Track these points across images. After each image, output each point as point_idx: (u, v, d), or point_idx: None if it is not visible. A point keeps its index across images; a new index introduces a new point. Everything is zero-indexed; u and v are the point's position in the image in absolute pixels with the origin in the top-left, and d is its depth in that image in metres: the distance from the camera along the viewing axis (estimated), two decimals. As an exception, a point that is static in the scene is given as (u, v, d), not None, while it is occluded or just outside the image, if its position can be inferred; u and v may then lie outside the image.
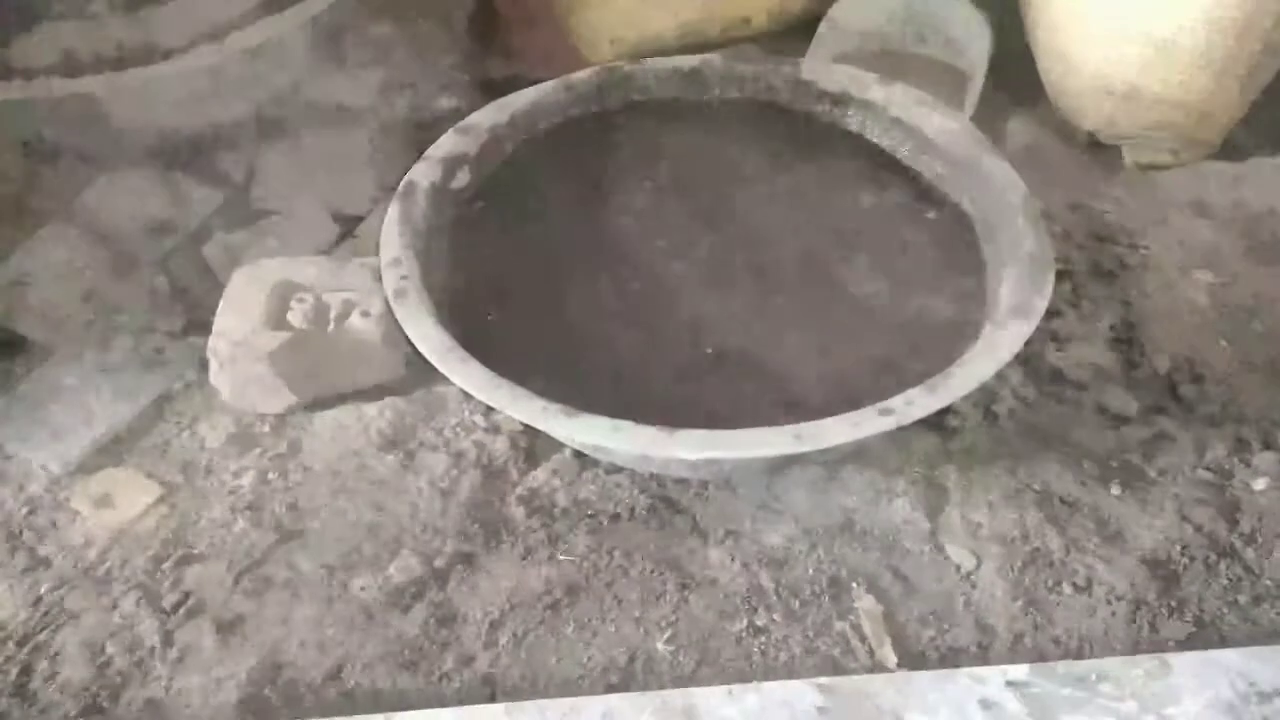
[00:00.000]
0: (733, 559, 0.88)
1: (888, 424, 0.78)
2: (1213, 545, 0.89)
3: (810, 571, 0.87)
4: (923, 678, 0.78)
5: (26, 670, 0.83)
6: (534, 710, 0.77)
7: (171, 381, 1.01)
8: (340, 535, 0.90)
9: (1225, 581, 0.87)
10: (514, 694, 0.80)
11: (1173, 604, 0.85)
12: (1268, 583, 0.87)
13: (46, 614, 0.86)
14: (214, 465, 0.95)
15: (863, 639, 0.83)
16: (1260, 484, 0.93)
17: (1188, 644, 0.82)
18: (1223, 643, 0.82)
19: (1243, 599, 0.86)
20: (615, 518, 0.91)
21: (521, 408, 0.80)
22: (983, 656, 0.82)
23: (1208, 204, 1.17)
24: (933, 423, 0.93)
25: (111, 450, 0.96)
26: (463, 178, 0.99)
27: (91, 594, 0.87)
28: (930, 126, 1.02)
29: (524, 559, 0.88)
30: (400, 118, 1.29)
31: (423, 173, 0.96)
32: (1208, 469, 0.94)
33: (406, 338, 0.86)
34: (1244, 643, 0.82)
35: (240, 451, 0.96)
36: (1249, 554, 0.88)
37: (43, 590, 0.87)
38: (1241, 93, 1.18)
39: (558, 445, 0.95)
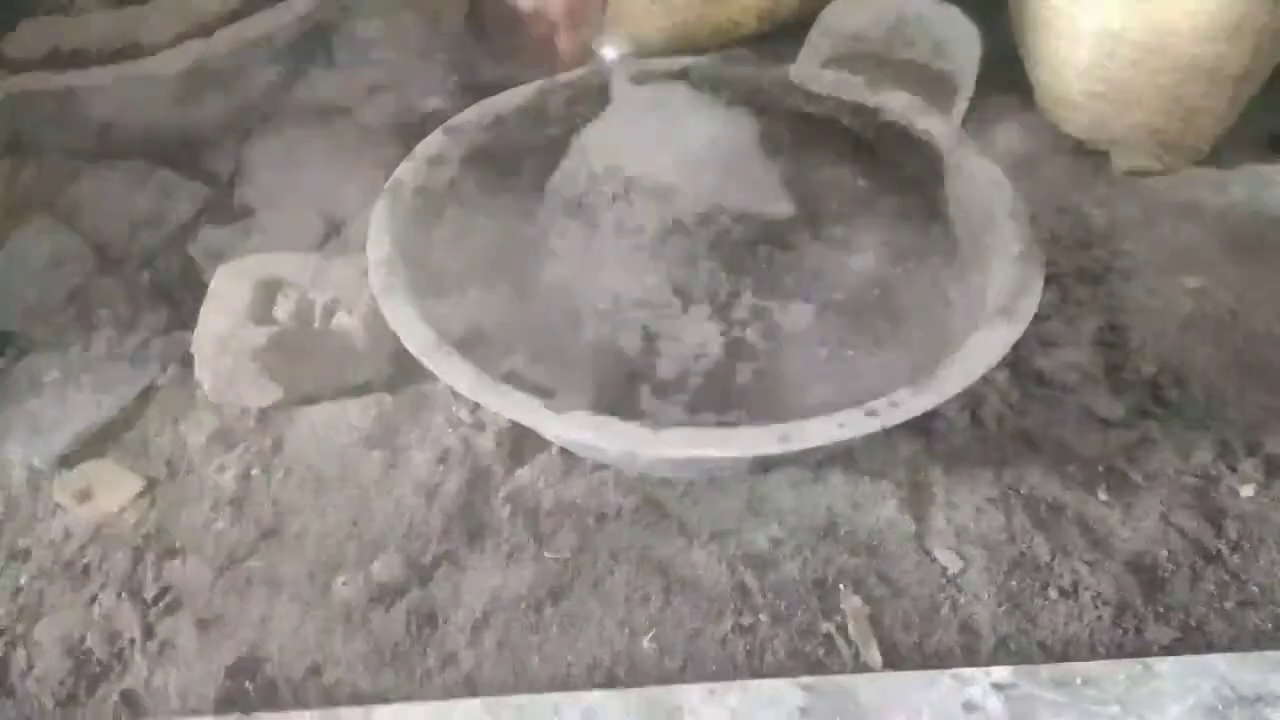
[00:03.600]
0: (718, 560, 0.88)
1: (874, 425, 0.78)
2: (1198, 550, 0.89)
3: (796, 573, 0.87)
4: (906, 678, 0.78)
5: (4, 663, 0.82)
6: (514, 706, 0.76)
7: (155, 377, 1.01)
8: (323, 533, 0.90)
9: (1210, 587, 0.87)
10: (497, 694, 0.79)
11: (1158, 609, 0.85)
12: (1253, 588, 0.86)
13: (25, 606, 0.85)
14: (196, 461, 0.95)
15: (848, 640, 0.83)
16: (1246, 490, 0.93)
17: (1172, 649, 0.82)
18: (1208, 648, 0.82)
19: (1228, 604, 0.85)
20: (601, 517, 0.90)
21: (508, 405, 0.79)
22: (968, 659, 0.82)
23: (1195, 209, 1.17)
24: (918, 425, 0.92)
25: (94, 445, 0.96)
26: (450, 177, 0.99)
27: (71, 587, 0.86)
28: (919, 130, 1.02)
29: (508, 558, 0.88)
30: (388, 117, 1.29)
31: (409, 171, 0.96)
32: (1193, 474, 0.94)
33: (393, 335, 0.85)
34: (1228, 648, 0.82)
35: (223, 448, 0.96)
36: (1234, 560, 0.88)
37: (22, 582, 0.87)
38: (1230, 100, 1.19)
39: (544, 443, 0.94)
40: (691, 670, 0.81)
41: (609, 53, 0.98)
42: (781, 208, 1.00)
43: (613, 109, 0.99)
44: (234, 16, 1.17)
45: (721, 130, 1.00)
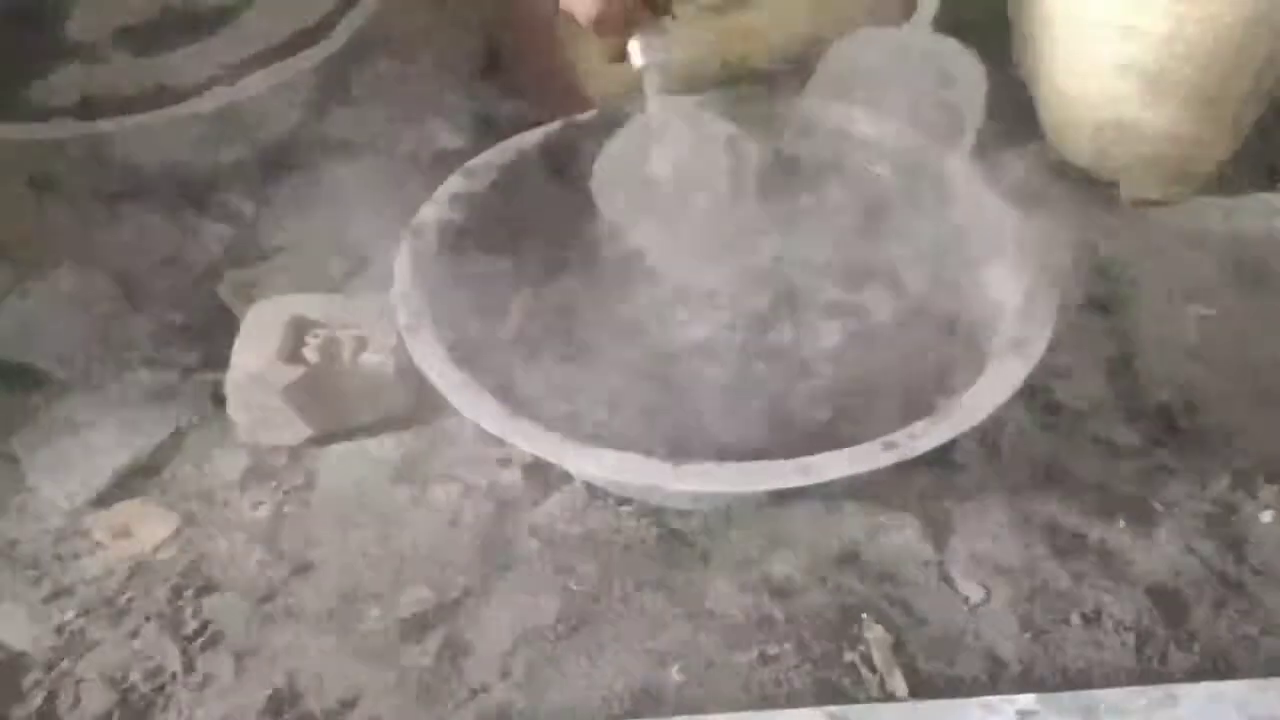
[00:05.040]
0: (741, 589, 0.89)
1: (893, 458, 0.79)
2: (1220, 577, 0.90)
3: (818, 602, 0.88)
4: (932, 707, 0.79)
5: (51, 698, 0.83)
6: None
7: (187, 415, 1.03)
8: (353, 567, 0.91)
9: (1233, 614, 0.87)
10: (527, 724, 0.81)
11: (1180, 636, 0.86)
12: (1276, 615, 0.87)
13: (69, 642, 0.87)
14: (230, 498, 0.97)
15: (873, 669, 0.84)
16: (1267, 517, 0.94)
17: (1195, 676, 0.83)
18: (1231, 675, 0.83)
19: (1251, 631, 0.86)
20: (625, 549, 0.92)
21: (531, 441, 0.81)
22: (991, 688, 0.83)
23: (1202, 237, 1.19)
24: (934, 454, 0.94)
25: (130, 483, 0.98)
26: (472, 216, 1.00)
27: (113, 623, 0.88)
28: (928, 163, 1.04)
29: (534, 590, 0.89)
30: (408, 154, 1.31)
31: (433, 211, 0.98)
32: (1211, 501, 0.95)
33: (416, 372, 0.87)
34: (1251, 675, 0.83)
35: (255, 485, 0.97)
36: (1256, 586, 0.89)
37: (66, 619, 0.88)
38: (1234, 127, 1.20)
39: (568, 476, 0.96)
40: (717, 701, 0.82)
41: (636, 59, 0.90)
42: None
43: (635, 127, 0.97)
44: (260, 61, 1.19)
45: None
